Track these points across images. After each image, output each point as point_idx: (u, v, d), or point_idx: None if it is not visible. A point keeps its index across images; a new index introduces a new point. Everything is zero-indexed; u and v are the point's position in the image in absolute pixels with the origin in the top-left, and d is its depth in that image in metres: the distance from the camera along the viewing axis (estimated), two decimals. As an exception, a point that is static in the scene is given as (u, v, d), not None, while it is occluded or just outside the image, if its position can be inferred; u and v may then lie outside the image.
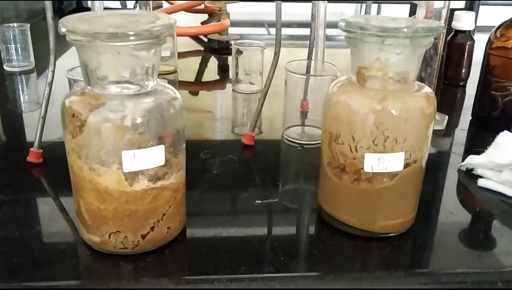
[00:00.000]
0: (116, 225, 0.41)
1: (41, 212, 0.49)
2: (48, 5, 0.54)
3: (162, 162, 0.40)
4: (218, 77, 1.09)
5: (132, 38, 0.36)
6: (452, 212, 0.51)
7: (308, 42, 0.70)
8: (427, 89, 0.44)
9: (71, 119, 0.38)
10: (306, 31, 1.28)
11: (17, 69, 0.96)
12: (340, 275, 0.40)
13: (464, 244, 0.46)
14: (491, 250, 0.45)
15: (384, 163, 0.42)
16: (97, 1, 0.63)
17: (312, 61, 0.68)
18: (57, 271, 0.40)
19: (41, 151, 0.58)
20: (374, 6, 1.97)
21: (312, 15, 0.68)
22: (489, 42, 0.71)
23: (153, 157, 0.39)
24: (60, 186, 0.54)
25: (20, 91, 0.91)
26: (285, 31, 1.56)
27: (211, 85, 1.03)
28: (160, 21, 0.38)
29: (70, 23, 0.37)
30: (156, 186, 0.41)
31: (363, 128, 0.42)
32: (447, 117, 0.73)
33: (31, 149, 0.58)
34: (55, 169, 0.57)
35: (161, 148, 0.40)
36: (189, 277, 0.39)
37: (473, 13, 0.89)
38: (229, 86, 0.99)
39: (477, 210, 0.52)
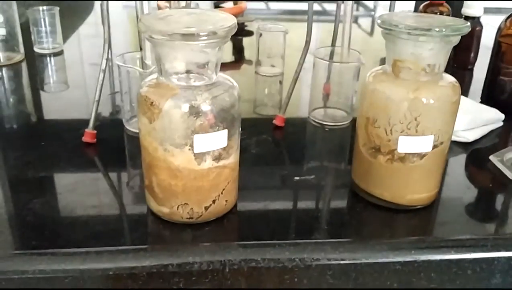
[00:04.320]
0: (184, 198, 0.47)
1: (109, 187, 0.55)
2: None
3: (225, 144, 0.46)
4: (233, 59, 1.14)
5: (203, 38, 0.42)
6: (469, 187, 0.58)
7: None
8: (452, 79, 0.50)
9: (149, 107, 0.44)
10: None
11: (47, 51, 1.01)
12: (375, 241, 0.47)
13: (478, 213, 0.53)
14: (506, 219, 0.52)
15: (416, 144, 0.48)
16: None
17: (338, 48, 0.73)
18: (133, 238, 0.47)
19: (95, 131, 0.64)
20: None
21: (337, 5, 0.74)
22: (500, 30, 0.77)
23: (218, 139, 0.45)
24: (117, 164, 0.60)
25: (54, 73, 0.96)
26: (293, 5, 1.61)
27: (228, 66, 1.08)
28: (225, 21, 0.44)
29: (149, 22, 0.43)
30: (219, 165, 0.47)
31: (397, 115, 0.48)
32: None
33: (86, 130, 0.64)
34: (109, 148, 0.63)
35: (225, 132, 0.45)
36: (250, 242, 0.46)
37: (481, 1, 0.95)
38: (244, 67, 1.04)
39: (490, 185, 0.59)
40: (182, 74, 0.45)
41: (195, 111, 0.44)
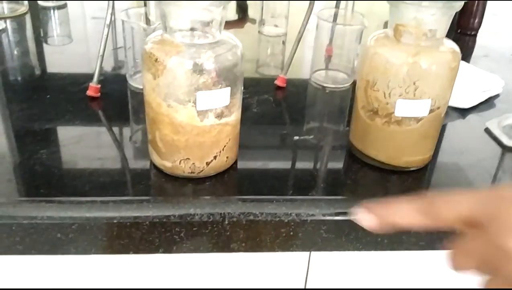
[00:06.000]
0: (187, 153, 0.48)
1: (113, 141, 0.56)
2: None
3: (227, 102, 0.47)
4: (237, 17, 1.13)
5: (210, -4, 0.42)
6: (463, 151, 0.59)
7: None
8: (453, 45, 0.51)
9: (153, 63, 0.45)
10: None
11: (50, 4, 1.00)
12: (369, 199, 0.49)
13: (470, 177, 0.54)
14: (495, 184, 0.54)
15: (413, 108, 0.50)
16: None
17: (342, 10, 0.73)
18: (136, 189, 0.48)
19: (99, 85, 0.65)
20: None
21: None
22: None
23: (221, 97, 0.46)
24: (121, 118, 0.61)
25: (58, 26, 0.96)
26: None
27: (232, 24, 1.07)
28: (231, -20, 0.44)
29: (155, -21, 0.43)
30: (221, 122, 0.48)
31: (396, 78, 0.49)
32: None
33: (90, 84, 0.65)
34: (112, 102, 0.65)
35: (227, 90, 0.47)
36: (249, 197, 0.48)
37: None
38: (248, 26, 1.04)
39: (485, 150, 0.61)
40: (186, 31, 0.46)
41: (198, 69, 0.45)
